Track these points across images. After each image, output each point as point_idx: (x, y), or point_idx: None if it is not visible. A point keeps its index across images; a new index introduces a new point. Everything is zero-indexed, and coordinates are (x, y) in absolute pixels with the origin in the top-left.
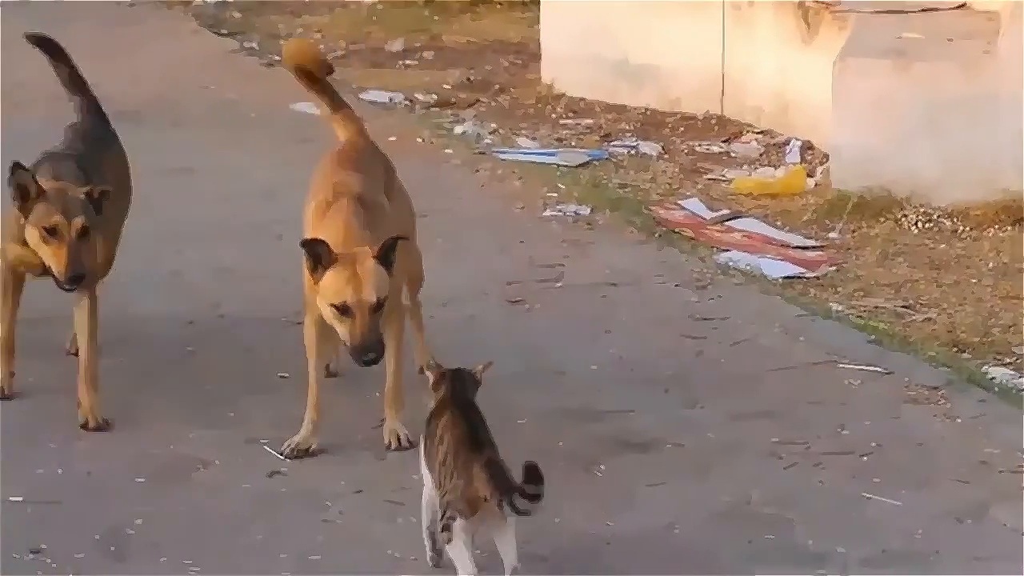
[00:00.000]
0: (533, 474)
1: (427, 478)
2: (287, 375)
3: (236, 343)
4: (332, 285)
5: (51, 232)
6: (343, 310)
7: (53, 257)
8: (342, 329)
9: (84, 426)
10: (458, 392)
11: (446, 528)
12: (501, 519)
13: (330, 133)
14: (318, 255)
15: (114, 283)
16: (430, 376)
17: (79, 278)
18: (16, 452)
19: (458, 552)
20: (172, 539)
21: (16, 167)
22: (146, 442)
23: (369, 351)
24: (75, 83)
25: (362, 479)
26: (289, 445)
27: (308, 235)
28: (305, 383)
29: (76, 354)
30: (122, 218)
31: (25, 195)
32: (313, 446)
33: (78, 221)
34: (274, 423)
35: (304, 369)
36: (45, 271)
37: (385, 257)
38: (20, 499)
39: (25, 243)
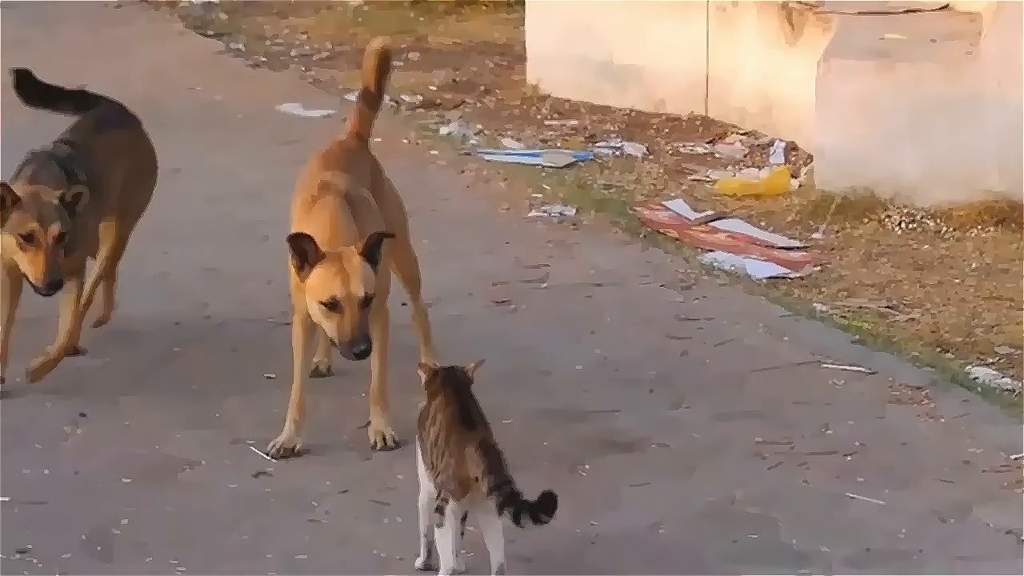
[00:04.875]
0: (548, 503)
1: (423, 479)
2: (273, 376)
3: (222, 344)
4: (320, 282)
5: (27, 239)
6: (332, 305)
7: (30, 264)
8: (330, 325)
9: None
10: (450, 377)
11: (439, 510)
12: (491, 506)
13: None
14: (304, 251)
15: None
16: (423, 375)
17: (57, 285)
18: (3, 452)
19: (444, 539)
20: (158, 539)
21: None
22: (132, 442)
23: (360, 343)
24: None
25: (348, 479)
26: (274, 445)
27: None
28: (291, 383)
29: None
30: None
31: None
32: (298, 446)
33: (54, 228)
34: (260, 423)
35: (290, 369)
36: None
37: (371, 253)
38: (7, 499)
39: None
